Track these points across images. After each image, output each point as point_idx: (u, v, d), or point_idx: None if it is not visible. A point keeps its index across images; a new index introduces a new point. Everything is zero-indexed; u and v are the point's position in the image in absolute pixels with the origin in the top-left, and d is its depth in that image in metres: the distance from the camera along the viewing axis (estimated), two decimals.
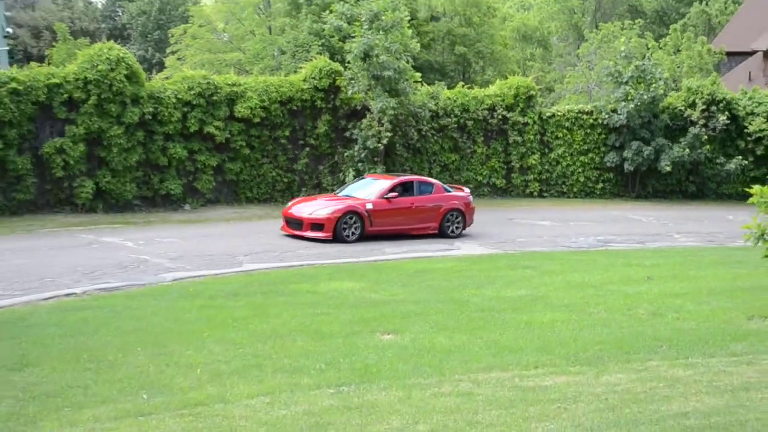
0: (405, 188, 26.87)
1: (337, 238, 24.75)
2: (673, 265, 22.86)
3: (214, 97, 33.89)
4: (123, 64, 32.00)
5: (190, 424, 9.58)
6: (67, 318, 15.88)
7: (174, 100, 33.12)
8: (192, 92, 33.51)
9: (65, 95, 31.36)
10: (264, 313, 16.29)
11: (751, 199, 6.82)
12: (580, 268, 22.44)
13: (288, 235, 25.26)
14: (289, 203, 27.29)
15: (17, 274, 20.16)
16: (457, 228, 27.47)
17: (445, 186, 28.39)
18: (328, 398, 10.50)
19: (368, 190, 26.82)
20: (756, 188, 6.73)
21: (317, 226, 24.99)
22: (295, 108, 35.33)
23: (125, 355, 12.85)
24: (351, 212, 25.09)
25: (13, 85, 30.42)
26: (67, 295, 18.41)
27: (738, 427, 9.10)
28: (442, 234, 26.95)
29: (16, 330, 14.68)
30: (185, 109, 33.38)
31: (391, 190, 26.39)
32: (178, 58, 60.87)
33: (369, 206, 25.31)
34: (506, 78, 43.20)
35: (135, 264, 22.40)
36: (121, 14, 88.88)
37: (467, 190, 29.21)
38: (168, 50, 64.82)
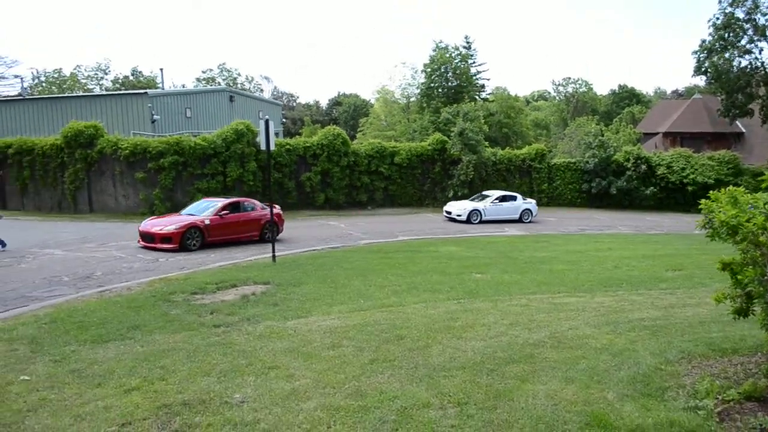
0: (234, 207, 20.33)
1: (182, 247, 18.12)
2: (621, 242, 22.13)
3: (384, 153, 33.93)
4: (340, 136, 32.52)
5: (386, 315, 9.84)
6: (316, 261, 16.26)
7: (364, 155, 33.36)
8: (373, 150, 33.68)
9: (312, 152, 31.99)
10: (413, 261, 16.36)
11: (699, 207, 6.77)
12: (572, 242, 21.89)
13: (143, 247, 18.41)
14: (143, 222, 19.80)
15: (289, 240, 20.82)
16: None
17: (264, 205, 21.20)
18: (454, 305, 10.66)
19: (206, 209, 19.97)
20: (703, 202, 6.68)
21: (166, 239, 18.16)
22: (424, 159, 35.00)
23: (348, 281, 13.16)
24: (193, 227, 18.62)
25: (286, 147, 31.42)
26: (314, 250, 18.78)
27: (670, 327, 9.03)
28: (261, 240, 20.33)
29: (293, 267, 15.07)
30: (369, 159, 33.48)
31: (223, 209, 19.84)
32: (363, 134, 61.36)
33: (207, 222, 19.02)
34: (530, 144, 42.75)
35: (345, 235, 22.66)
36: (335, 112, 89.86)
37: (278, 207, 21.70)
38: (358, 129, 65.38)
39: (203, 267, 15.26)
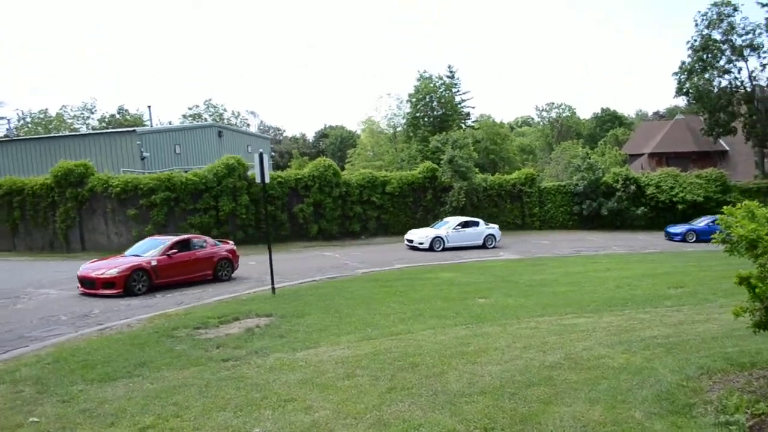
0: (183, 245, 18.44)
1: (128, 292, 16.25)
2: (617, 262, 22.17)
3: (375, 183, 33.98)
4: (330, 167, 32.66)
5: (396, 343, 9.67)
6: (317, 291, 16.09)
7: (355, 185, 33.40)
8: (364, 180, 33.73)
9: (303, 183, 31.98)
10: (414, 288, 16.21)
11: (718, 220, 6.76)
12: (569, 264, 21.86)
13: (83, 294, 16.37)
14: (82, 266, 17.49)
15: (286, 272, 20.40)
16: (227, 273, 19.21)
17: (216, 241, 20.03)
18: (463, 330, 10.50)
19: (152, 249, 18.01)
20: (720, 217, 6.66)
21: (108, 284, 16.19)
22: (415, 187, 35.09)
23: (352, 310, 12.99)
24: (138, 269, 16.69)
25: (278, 179, 31.34)
26: (312, 281, 18.57)
27: (684, 343, 8.90)
28: (215, 279, 18.84)
29: (294, 298, 14.90)
30: (360, 189, 33.50)
31: (171, 247, 17.92)
32: (351, 165, 61.56)
33: (153, 263, 17.14)
34: (517, 169, 43.14)
35: (341, 265, 22.46)
36: (322, 144, 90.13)
37: (231, 242, 20.75)
38: (346, 160, 65.57)
39: (202, 301, 15.04)
